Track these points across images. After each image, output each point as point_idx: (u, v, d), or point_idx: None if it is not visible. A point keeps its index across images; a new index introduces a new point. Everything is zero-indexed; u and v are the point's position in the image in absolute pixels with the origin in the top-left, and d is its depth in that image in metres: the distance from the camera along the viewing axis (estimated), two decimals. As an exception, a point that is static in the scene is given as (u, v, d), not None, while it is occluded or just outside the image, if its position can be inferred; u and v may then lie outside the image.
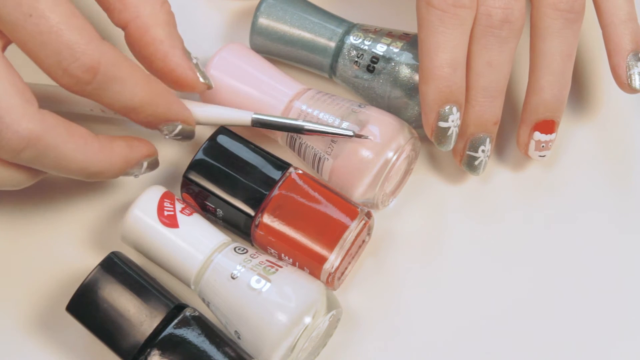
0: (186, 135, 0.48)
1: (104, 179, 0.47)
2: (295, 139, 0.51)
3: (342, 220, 0.47)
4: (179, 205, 0.48)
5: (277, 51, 0.54)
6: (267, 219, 0.48)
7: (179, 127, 0.47)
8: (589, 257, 0.52)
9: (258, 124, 0.49)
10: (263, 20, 0.53)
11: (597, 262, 0.52)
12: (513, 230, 0.52)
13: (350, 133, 0.48)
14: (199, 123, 0.50)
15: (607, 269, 0.52)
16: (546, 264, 0.52)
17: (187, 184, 0.49)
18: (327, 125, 0.49)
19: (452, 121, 0.48)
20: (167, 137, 0.47)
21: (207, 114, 0.50)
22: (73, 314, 0.45)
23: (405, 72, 0.51)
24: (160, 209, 0.48)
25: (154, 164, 0.48)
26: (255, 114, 0.49)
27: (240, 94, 0.51)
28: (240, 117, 0.50)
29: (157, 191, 0.48)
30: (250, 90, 0.51)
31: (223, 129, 0.50)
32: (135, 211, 0.47)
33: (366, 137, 0.49)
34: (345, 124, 0.49)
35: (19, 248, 0.50)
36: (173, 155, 0.53)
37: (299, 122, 0.49)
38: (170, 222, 0.47)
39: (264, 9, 0.53)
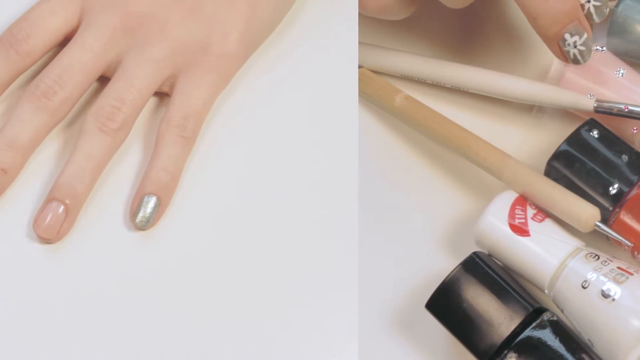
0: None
1: None
2: None
3: None
4: (530, 211, 0.48)
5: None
6: (624, 216, 0.47)
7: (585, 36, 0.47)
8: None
9: (601, 110, 0.49)
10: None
11: None
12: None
13: None
14: (534, 103, 0.51)
15: None
16: None
17: (550, 172, 0.49)
18: None
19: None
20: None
21: (543, 94, 0.50)
22: (432, 311, 0.47)
23: None
24: (512, 216, 0.48)
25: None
26: (598, 100, 0.49)
27: None
28: (578, 101, 0.50)
29: (509, 197, 0.49)
30: None
31: (592, 122, 0.49)
32: (488, 217, 0.48)
33: None
34: None
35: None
36: (539, 144, 0.53)
37: None
38: (522, 229, 0.47)
39: None
